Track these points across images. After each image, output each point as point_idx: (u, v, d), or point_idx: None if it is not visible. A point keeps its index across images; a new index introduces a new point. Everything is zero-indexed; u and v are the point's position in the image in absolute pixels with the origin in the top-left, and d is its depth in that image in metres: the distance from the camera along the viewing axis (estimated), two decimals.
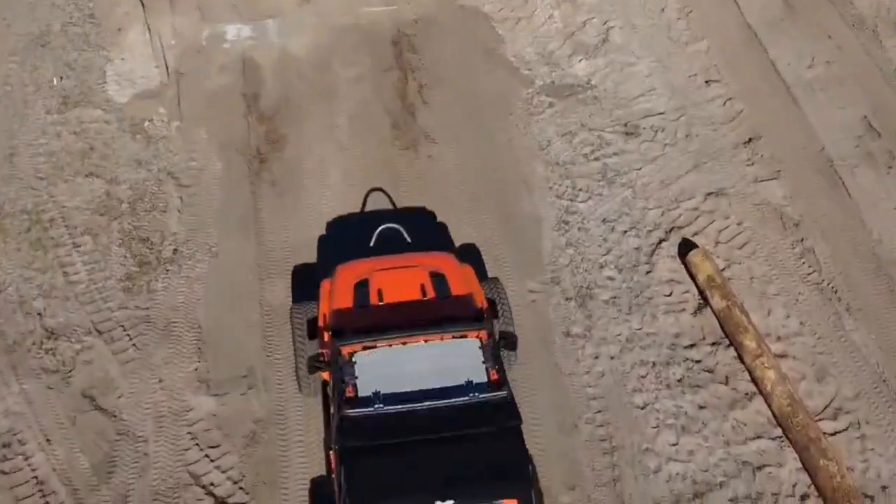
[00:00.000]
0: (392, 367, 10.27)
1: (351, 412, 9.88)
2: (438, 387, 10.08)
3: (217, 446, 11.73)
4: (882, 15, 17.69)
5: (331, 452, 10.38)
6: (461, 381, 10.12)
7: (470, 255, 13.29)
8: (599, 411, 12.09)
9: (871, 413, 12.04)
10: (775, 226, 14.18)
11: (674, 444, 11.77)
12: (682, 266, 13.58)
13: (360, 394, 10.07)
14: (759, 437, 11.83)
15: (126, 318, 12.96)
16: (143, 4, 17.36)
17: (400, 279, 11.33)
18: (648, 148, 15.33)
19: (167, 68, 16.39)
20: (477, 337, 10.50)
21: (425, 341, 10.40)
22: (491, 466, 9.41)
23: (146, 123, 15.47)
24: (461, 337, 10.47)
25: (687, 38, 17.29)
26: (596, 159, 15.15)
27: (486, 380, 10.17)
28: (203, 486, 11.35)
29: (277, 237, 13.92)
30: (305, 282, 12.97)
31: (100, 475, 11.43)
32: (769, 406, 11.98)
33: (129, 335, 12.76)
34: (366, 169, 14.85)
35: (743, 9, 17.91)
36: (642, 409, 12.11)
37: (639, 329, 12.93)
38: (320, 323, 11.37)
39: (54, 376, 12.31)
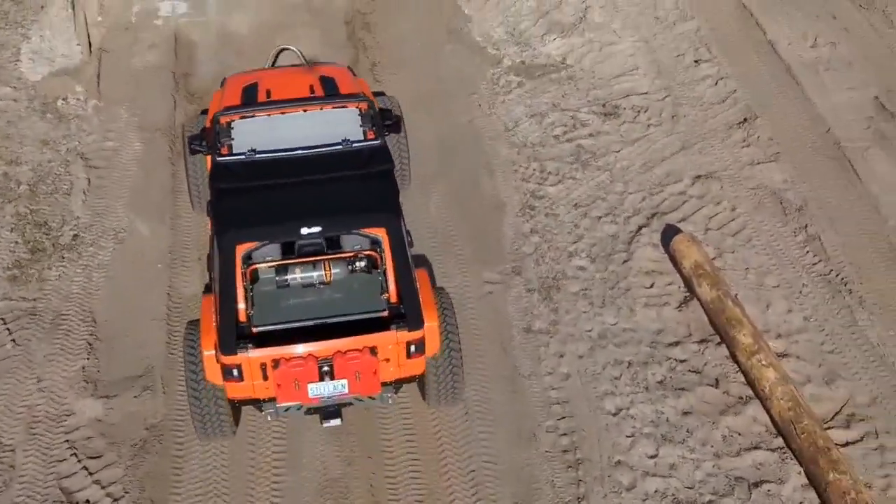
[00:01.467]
0: (270, 131, 10.28)
1: (223, 159, 9.93)
2: (315, 143, 10.04)
3: (99, 457, 9.68)
4: None
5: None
6: (337, 139, 10.09)
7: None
8: (563, 418, 10.02)
9: (892, 421, 9.94)
10: (774, 211, 12.22)
11: (652, 457, 9.68)
12: (666, 255, 11.59)
13: (235, 151, 10.07)
14: (755, 447, 9.74)
15: (8, 309, 10.99)
16: None
17: (289, 80, 11.38)
18: (629, 129, 13.43)
19: (90, 45, 14.65)
20: (356, 107, 10.57)
21: (304, 111, 10.51)
22: (360, 201, 9.40)
23: (59, 102, 13.66)
24: (341, 107, 10.56)
25: (675, 17, 15.51)
26: (569, 140, 13.25)
27: (362, 138, 10.20)
28: None
29: (195, 222, 11.97)
30: None
31: None
32: (768, 411, 9.90)
33: (8, 329, 10.77)
34: None
35: None
36: (615, 415, 10.04)
37: (613, 324, 10.90)
38: (207, 124, 10.99)
39: None
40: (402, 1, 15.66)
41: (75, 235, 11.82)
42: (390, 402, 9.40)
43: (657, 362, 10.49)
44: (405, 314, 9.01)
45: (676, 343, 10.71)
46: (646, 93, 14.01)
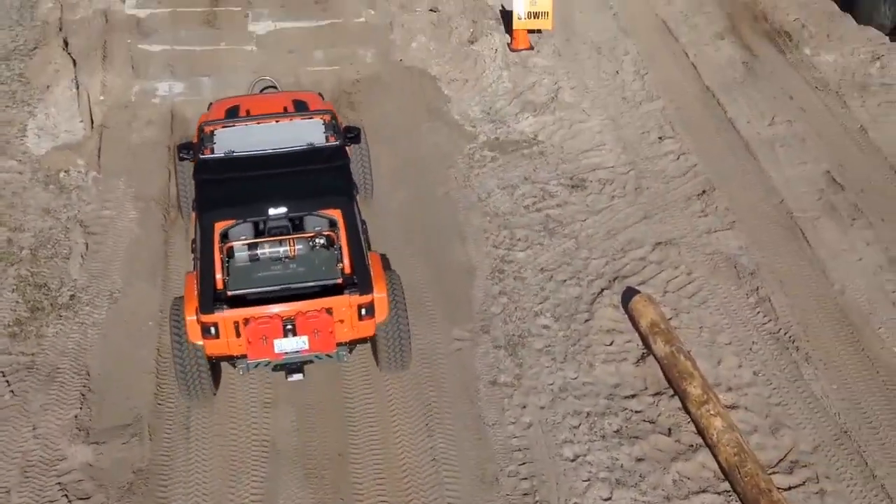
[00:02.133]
0: (246, 137, 12.12)
1: (205, 157, 11.84)
2: (284, 146, 11.90)
3: (88, 498, 10.33)
4: (847, 78, 16.95)
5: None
6: (303, 143, 11.96)
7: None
8: (524, 463, 10.69)
9: (832, 467, 10.61)
10: (728, 275, 13.03)
11: (606, 499, 10.33)
12: (625, 315, 12.37)
13: (216, 152, 11.97)
14: (703, 491, 10.39)
15: (7, 363, 11.73)
16: (74, 62, 16.68)
17: (266, 103, 13.29)
18: (595, 200, 14.33)
19: (91, 122, 15.64)
20: (321, 119, 12.43)
21: (276, 122, 12.37)
22: (319, 188, 11.17)
23: (61, 174, 14.58)
24: (308, 119, 12.43)
25: (642, 97, 16.52)
26: (538, 210, 14.13)
27: (325, 142, 12.06)
28: None
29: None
30: None
31: None
32: (715, 457, 10.58)
33: (7, 381, 11.51)
34: None
35: (701, 72, 17.24)
36: (573, 461, 10.71)
37: (574, 378, 11.63)
38: (194, 140, 12.73)
39: None
40: (386, 83, 16.68)
41: (72, 296, 12.62)
42: (345, 359, 11.00)
43: (614, 413, 11.19)
44: (357, 283, 10.61)
45: (633, 395, 11.42)
46: (611, 167, 14.93)
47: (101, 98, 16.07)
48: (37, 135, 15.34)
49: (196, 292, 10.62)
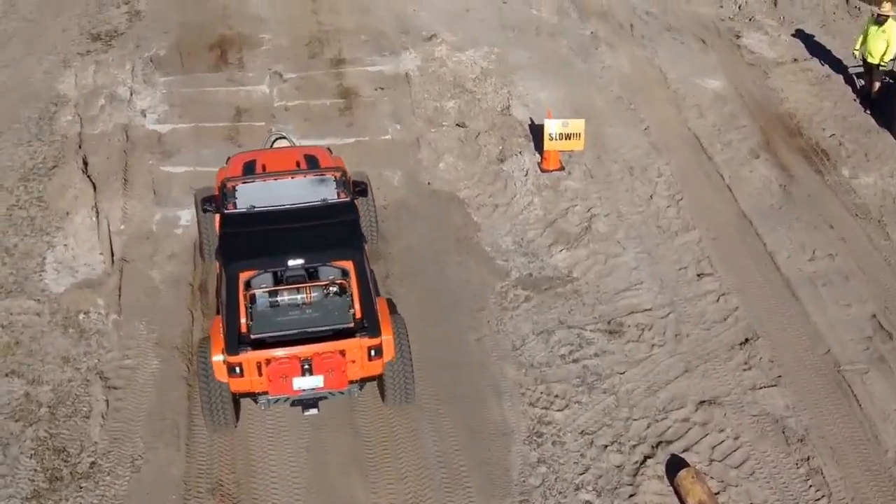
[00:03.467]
0: (265, 192, 13.09)
1: (229, 212, 12.89)
2: (300, 201, 12.95)
3: None
4: (887, 204, 16.49)
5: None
6: (317, 199, 13.02)
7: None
8: None
9: None
10: (777, 441, 12.49)
11: None
12: (671, 488, 11.82)
13: (238, 207, 12.97)
14: None
15: None
16: (94, 186, 16.26)
17: (280, 158, 14.34)
18: (634, 349, 13.81)
19: (112, 255, 15.15)
20: (332, 175, 13.41)
21: (292, 178, 13.36)
22: (333, 241, 12.19)
23: (81, 316, 14.09)
24: (320, 175, 13.39)
25: (677, 227, 16.03)
26: (575, 361, 13.62)
27: (336, 198, 13.08)
28: None
29: (210, 447, 12.28)
30: None
31: None
32: None
33: None
34: None
35: (737, 196, 16.76)
36: None
37: None
38: (216, 192, 13.68)
39: None
40: (413, 209, 16.22)
41: (93, 463, 12.11)
42: (356, 395, 12.30)
43: None
44: (367, 326, 11.78)
45: None
46: (649, 309, 14.41)
47: (122, 227, 15.63)
48: (55, 269, 14.88)
49: (222, 335, 11.73)
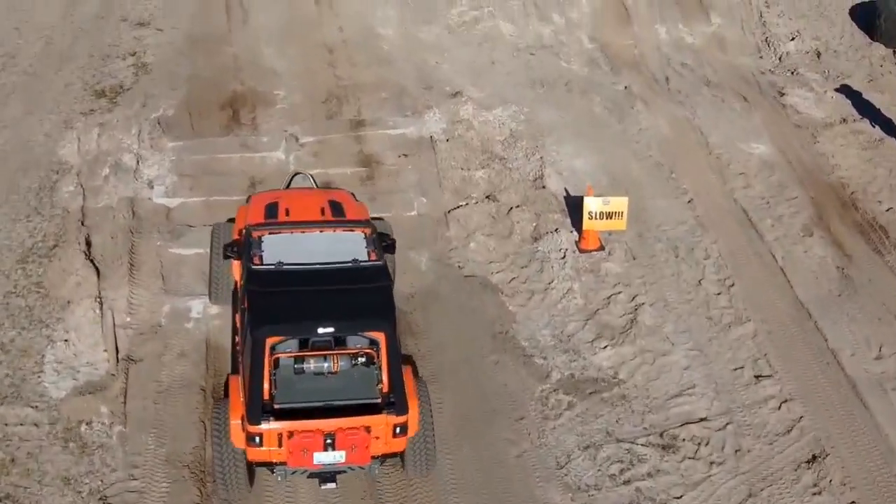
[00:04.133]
0: (293, 246, 12.51)
1: (256, 267, 12.21)
2: (329, 259, 12.29)
3: None
4: None
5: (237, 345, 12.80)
6: (347, 258, 12.33)
7: None
8: None
9: None
10: None
11: None
12: None
13: (265, 261, 12.27)
14: None
15: None
16: (98, 272, 15.03)
17: (304, 202, 13.97)
18: (690, 467, 12.57)
19: (116, 354, 13.92)
20: (361, 232, 12.89)
21: (321, 231, 12.85)
22: (364, 308, 11.68)
23: (83, 427, 12.86)
24: (349, 231, 12.88)
25: (730, 318, 14.78)
26: (626, 482, 12.38)
27: (367, 258, 12.46)
28: None
29: None
30: None
31: None
32: None
33: None
34: None
35: (792, 280, 15.52)
36: None
37: None
38: (235, 237, 13.55)
39: None
40: (444, 298, 14.98)
41: None
42: (376, 471, 11.73)
43: None
44: (394, 402, 11.27)
45: None
46: (705, 418, 13.19)
47: (128, 319, 14.40)
48: (55, 370, 13.65)
49: (242, 399, 11.39)
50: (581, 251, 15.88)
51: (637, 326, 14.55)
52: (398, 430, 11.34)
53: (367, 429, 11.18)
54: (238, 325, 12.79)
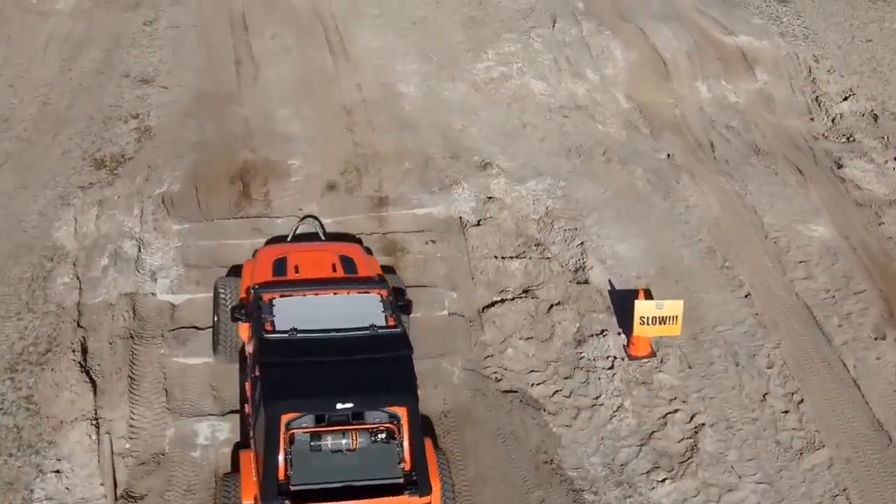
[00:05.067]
0: (306, 310, 11.89)
1: (269, 336, 11.52)
2: (345, 325, 11.65)
3: None
4: None
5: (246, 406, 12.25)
6: (364, 323, 11.69)
7: None
8: None
9: None
10: None
11: None
12: None
13: (278, 328, 11.58)
14: None
15: None
16: (94, 387, 13.47)
17: (314, 258, 13.27)
18: None
19: (115, 488, 12.36)
20: (378, 293, 12.26)
21: (335, 294, 12.20)
22: (385, 381, 11.07)
23: None
24: (365, 293, 12.24)
25: (801, 443, 13.22)
26: None
27: (385, 323, 11.82)
28: None
29: None
30: None
31: None
32: None
33: None
34: None
35: (867, 396, 13.99)
36: None
37: None
38: (242, 295, 12.87)
39: None
40: (480, 420, 13.39)
41: None
42: None
43: None
44: (416, 481, 10.60)
45: None
46: None
47: (127, 446, 12.85)
48: None
49: (255, 477, 10.80)
50: (630, 358, 14.32)
51: (698, 454, 12.98)
52: None
53: None
54: (248, 394, 12.01)
